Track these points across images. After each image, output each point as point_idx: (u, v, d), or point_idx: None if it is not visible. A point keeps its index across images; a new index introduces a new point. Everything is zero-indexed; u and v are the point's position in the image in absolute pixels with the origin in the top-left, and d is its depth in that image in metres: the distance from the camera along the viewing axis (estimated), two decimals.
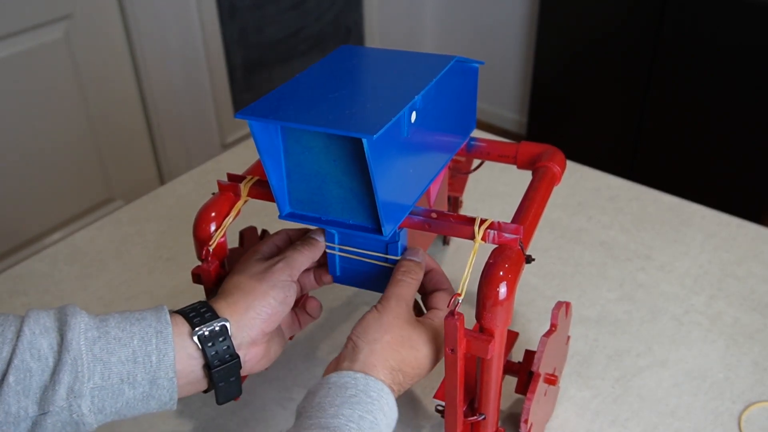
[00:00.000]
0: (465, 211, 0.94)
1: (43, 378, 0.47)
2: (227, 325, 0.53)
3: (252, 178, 0.61)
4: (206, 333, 0.52)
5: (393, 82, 0.56)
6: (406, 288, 0.56)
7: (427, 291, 0.60)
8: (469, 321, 0.51)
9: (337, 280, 0.63)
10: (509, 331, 0.60)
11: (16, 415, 0.46)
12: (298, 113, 0.51)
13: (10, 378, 0.46)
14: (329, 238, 0.60)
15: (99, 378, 0.48)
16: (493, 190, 1.01)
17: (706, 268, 0.86)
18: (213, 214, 0.60)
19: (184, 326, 0.52)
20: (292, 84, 0.55)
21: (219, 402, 0.55)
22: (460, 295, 0.51)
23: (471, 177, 0.89)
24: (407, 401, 0.69)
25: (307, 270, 0.63)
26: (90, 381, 0.48)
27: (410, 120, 0.52)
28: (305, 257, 0.59)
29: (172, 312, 0.53)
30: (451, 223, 0.55)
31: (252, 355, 0.56)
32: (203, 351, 0.52)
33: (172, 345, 0.50)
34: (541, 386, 0.59)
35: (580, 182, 1.02)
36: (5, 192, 1.77)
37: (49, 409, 0.47)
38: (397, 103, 0.50)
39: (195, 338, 0.51)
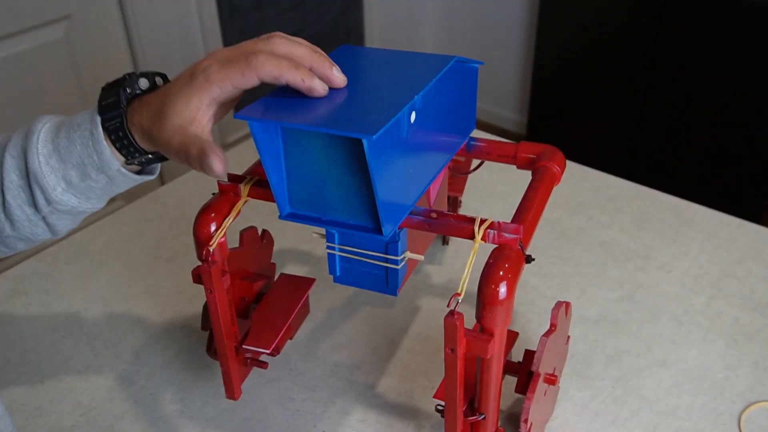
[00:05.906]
0: (465, 211, 0.94)
1: (25, 194, 0.58)
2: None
3: (252, 178, 0.61)
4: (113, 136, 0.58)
5: (393, 82, 0.56)
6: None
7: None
8: (469, 321, 0.51)
9: (337, 280, 0.63)
10: (509, 331, 0.60)
11: (28, 219, 0.58)
12: (298, 114, 0.51)
13: (8, 197, 0.58)
14: (329, 238, 0.60)
15: (64, 183, 0.57)
16: (493, 190, 1.01)
17: (706, 268, 0.86)
18: (213, 214, 0.60)
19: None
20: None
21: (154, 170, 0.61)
22: (460, 295, 0.51)
23: (471, 177, 0.89)
24: (407, 400, 0.69)
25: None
26: (57, 188, 0.57)
27: (410, 120, 0.52)
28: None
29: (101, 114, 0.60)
30: (451, 223, 0.55)
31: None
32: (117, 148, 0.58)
33: (104, 144, 0.56)
34: (541, 386, 0.59)
35: (580, 182, 1.02)
36: None
37: (43, 212, 0.58)
38: (396, 103, 0.50)
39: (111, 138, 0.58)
